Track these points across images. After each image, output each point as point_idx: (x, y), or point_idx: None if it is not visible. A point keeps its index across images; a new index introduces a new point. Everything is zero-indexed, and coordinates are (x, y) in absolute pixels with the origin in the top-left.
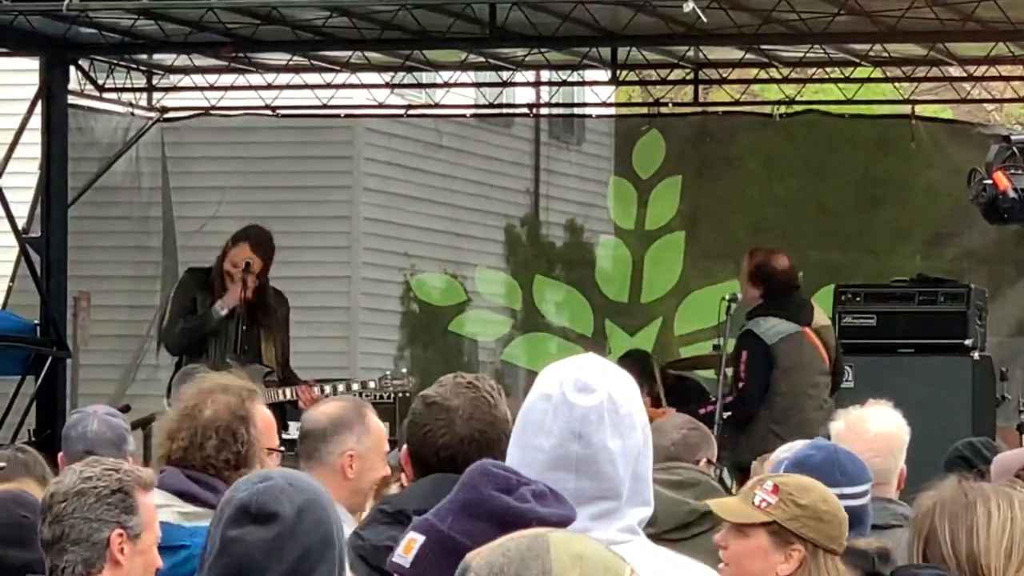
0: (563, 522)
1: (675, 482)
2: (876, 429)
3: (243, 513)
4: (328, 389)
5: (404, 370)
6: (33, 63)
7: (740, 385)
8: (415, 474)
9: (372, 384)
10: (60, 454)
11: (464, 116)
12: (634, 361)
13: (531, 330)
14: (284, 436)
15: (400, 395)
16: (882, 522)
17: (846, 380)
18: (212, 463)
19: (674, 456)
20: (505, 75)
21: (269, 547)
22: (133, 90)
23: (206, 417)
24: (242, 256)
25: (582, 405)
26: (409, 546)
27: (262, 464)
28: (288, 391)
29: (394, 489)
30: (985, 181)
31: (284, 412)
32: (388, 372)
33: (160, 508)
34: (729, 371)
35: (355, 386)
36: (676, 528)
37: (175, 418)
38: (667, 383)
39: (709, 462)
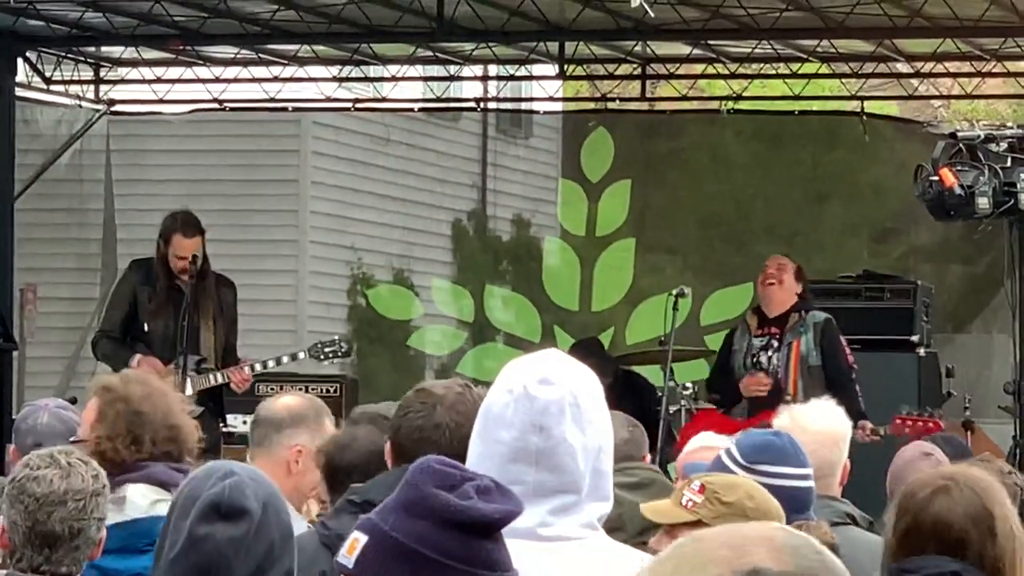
0: (507, 517)
1: (633, 484)
2: (819, 422)
3: (213, 510)
4: (259, 367)
5: (336, 337)
6: None
7: (855, 366)
8: (396, 462)
9: (301, 355)
10: (11, 447)
11: (412, 110)
12: (588, 348)
13: (481, 341)
14: (222, 427)
15: (333, 358)
16: (825, 519)
17: None
18: (179, 447)
19: (626, 455)
20: (453, 69)
21: (239, 544)
22: (81, 82)
23: (154, 408)
24: (191, 249)
25: (543, 398)
26: (352, 546)
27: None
28: (219, 375)
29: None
30: (932, 178)
31: (221, 402)
32: (317, 342)
33: (158, 503)
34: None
35: (285, 359)
36: (642, 532)
37: (123, 420)
38: (620, 383)
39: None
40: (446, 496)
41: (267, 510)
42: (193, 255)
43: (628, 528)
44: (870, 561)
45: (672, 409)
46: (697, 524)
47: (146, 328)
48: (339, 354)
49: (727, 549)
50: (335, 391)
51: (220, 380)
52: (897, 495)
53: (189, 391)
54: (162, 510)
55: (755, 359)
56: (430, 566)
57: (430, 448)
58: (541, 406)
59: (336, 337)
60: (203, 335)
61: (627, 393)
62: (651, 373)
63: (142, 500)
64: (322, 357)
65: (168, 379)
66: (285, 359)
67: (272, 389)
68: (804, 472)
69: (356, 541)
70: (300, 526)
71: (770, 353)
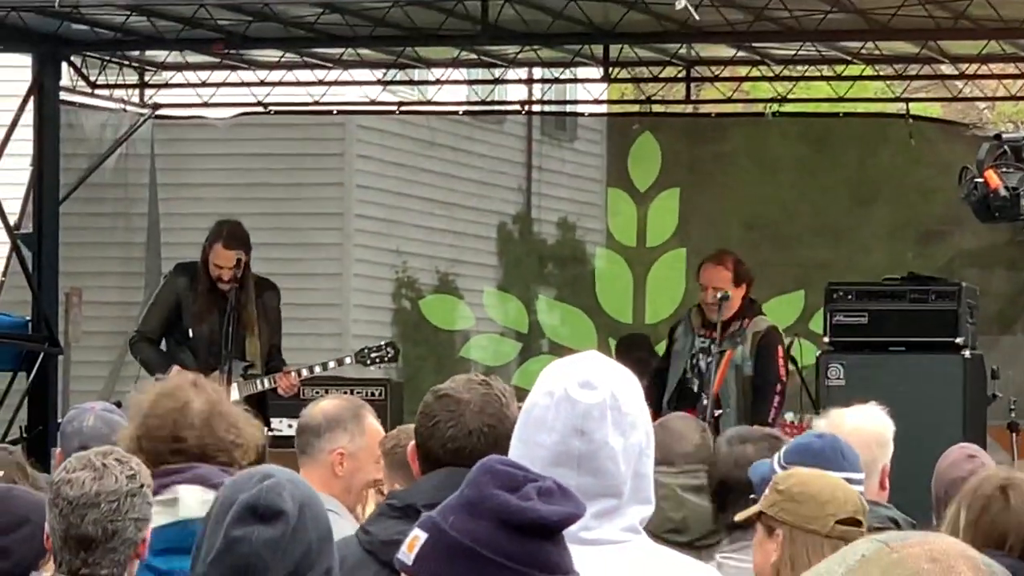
0: (566, 520)
1: (696, 486)
2: (852, 423)
3: (250, 512)
4: (305, 372)
5: (382, 342)
6: (25, 60)
7: (784, 379)
8: (422, 468)
9: (348, 360)
10: (57, 450)
11: (456, 113)
12: (635, 344)
13: (538, 354)
14: (267, 431)
15: (381, 367)
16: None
17: (837, 378)
18: (227, 447)
19: (698, 459)
20: (497, 72)
21: (276, 546)
22: (125, 86)
23: (201, 408)
24: (227, 262)
25: (584, 402)
26: (412, 543)
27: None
28: (265, 380)
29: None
30: (976, 179)
31: (265, 406)
32: (364, 347)
33: (207, 504)
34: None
35: (331, 364)
36: (706, 535)
37: (171, 411)
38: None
39: None
40: (506, 497)
41: (304, 512)
42: (234, 268)
43: (692, 530)
44: None
45: (717, 413)
46: (761, 515)
47: (190, 333)
48: (386, 359)
49: (930, 563)
50: (380, 395)
51: (267, 385)
52: (962, 494)
53: (236, 396)
54: None
55: (695, 362)
56: (488, 566)
57: (464, 456)
58: (583, 410)
59: (383, 342)
60: (247, 341)
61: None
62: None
63: (193, 501)
64: (368, 362)
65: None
66: (332, 364)
67: (317, 393)
68: (859, 477)
69: (416, 539)
70: (351, 528)
71: (708, 358)
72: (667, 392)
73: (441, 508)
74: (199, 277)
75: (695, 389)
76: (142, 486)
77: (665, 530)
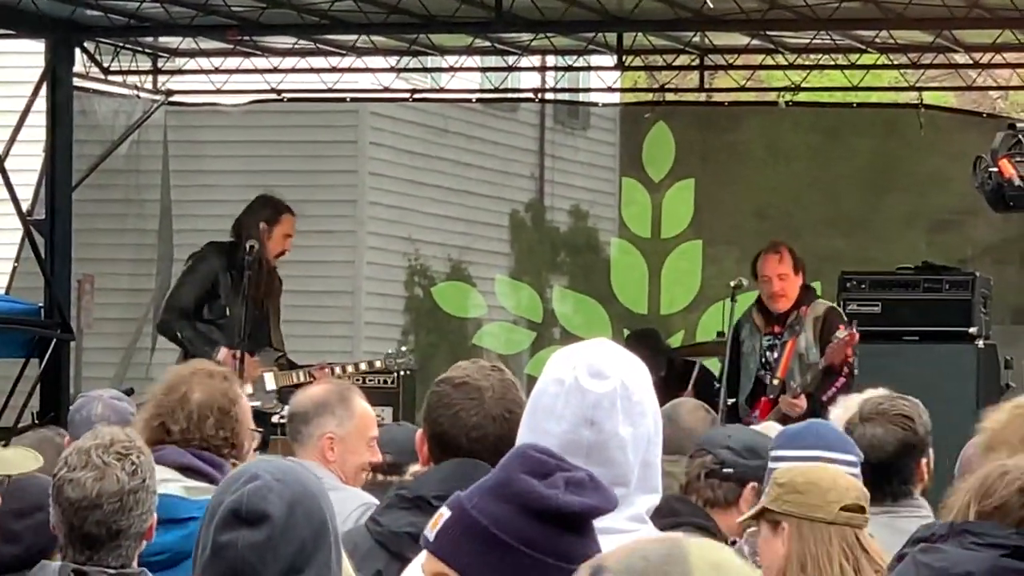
0: (590, 512)
1: None
2: None
3: (234, 516)
4: (338, 370)
5: (404, 348)
6: (39, 45)
7: (850, 361)
8: (436, 457)
9: (378, 364)
10: (67, 439)
11: (469, 101)
12: (644, 338)
13: (551, 343)
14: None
15: (404, 372)
16: None
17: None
18: (211, 442)
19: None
20: (511, 60)
21: (263, 549)
22: (138, 73)
23: (199, 399)
24: (294, 228)
25: (595, 391)
26: (437, 520)
27: (247, 444)
28: (301, 373)
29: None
30: (991, 169)
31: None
32: (391, 351)
33: (166, 483)
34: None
35: (363, 366)
36: None
37: (165, 402)
38: (678, 369)
39: None
40: (532, 483)
41: (294, 510)
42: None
43: None
44: None
45: (730, 401)
46: (765, 511)
47: (227, 312)
48: (408, 366)
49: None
50: (392, 382)
51: (303, 379)
52: (989, 474)
53: (272, 386)
54: (168, 489)
55: (764, 361)
56: (504, 550)
57: (488, 444)
58: (593, 400)
59: (404, 348)
60: (272, 329)
61: (681, 384)
62: (711, 366)
63: None
64: (396, 367)
65: (256, 374)
66: (363, 366)
67: (338, 374)
68: (834, 456)
69: (440, 516)
70: (360, 497)
71: (776, 354)
72: (742, 392)
73: (471, 488)
74: (245, 259)
75: (765, 382)
76: (144, 480)
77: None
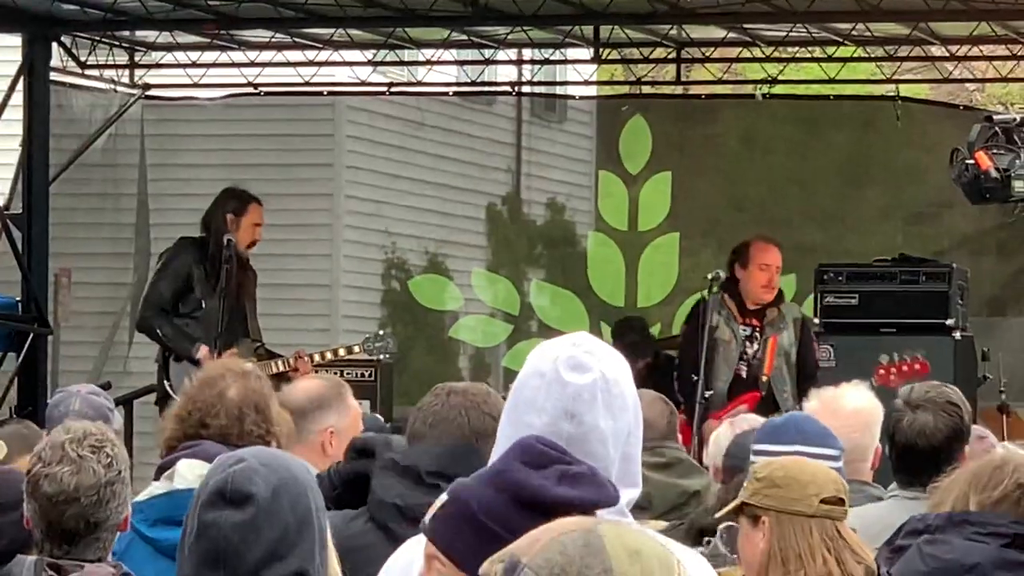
0: (582, 506)
1: (662, 464)
2: (851, 405)
3: (218, 496)
4: (317, 357)
5: (382, 332)
6: (15, 40)
7: (818, 368)
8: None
9: (356, 348)
10: (44, 433)
11: (446, 94)
12: (630, 327)
13: (528, 336)
14: None
15: (385, 357)
16: (858, 505)
17: (828, 359)
18: (248, 439)
19: (661, 434)
20: (487, 53)
21: (245, 529)
22: (115, 67)
23: (237, 396)
24: (262, 218)
25: (575, 383)
26: (436, 505)
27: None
28: (281, 362)
29: None
30: (967, 161)
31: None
32: (369, 335)
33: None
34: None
35: (341, 351)
36: (670, 510)
37: (202, 397)
38: (660, 365)
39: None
40: (526, 473)
41: (279, 495)
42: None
43: (655, 507)
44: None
45: (708, 393)
46: (744, 506)
47: (203, 304)
48: (388, 348)
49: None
50: (370, 375)
51: (282, 368)
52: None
53: None
54: None
55: (743, 349)
56: (492, 538)
57: (447, 428)
58: (573, 392)
59: (381, 332)
60: (249, 318)
61: (665, 375)
62: None
63: (190, 473)
64: (374, 352)
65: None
66: (342, 352)
67: (316, 361)
68: (815, 451)
69: (440, 501)
70: None
71: (755, 345)
72: (720, 380)
73: (472, 476)
74: (215, 253)
75: (744, 376)
76: (120, 472)
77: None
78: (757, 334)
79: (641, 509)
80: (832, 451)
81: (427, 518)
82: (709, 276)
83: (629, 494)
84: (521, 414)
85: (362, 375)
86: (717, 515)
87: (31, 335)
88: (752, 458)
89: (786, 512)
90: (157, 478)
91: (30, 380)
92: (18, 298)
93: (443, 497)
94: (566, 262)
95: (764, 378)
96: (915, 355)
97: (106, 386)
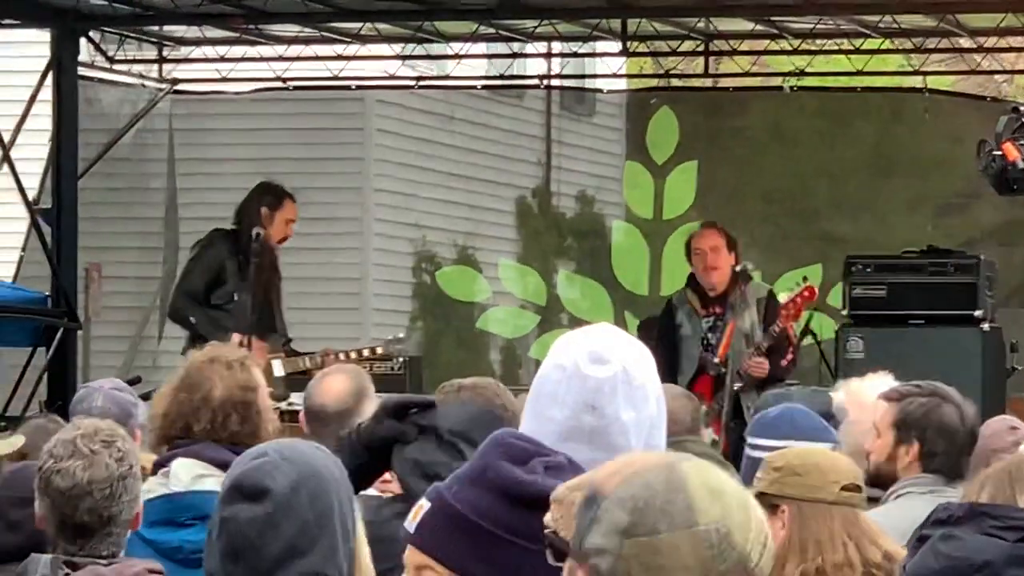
0: None
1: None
2: (876, 397)
3: (236, 491)
4: (343, 356)
5: (400, 335)
6: (44, 35)
7: (794, 333)
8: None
9: (380, 350)
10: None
11: (475, 88)
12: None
13: (555, 327)
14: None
15: (403, 357)
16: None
17: (856, 351)
18: (236, 438)
19: (689, 430)
20: (516, 46)
21: (262, 524)
22: (144, 62)
23: (220, 397)
24: (297, 214)
25: (596, 376)
26: (417, 512)
27: (269, 428)
28: (308, 359)
29: None
30: (995, 152)
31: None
32: (390, 337)
33: (203, 479)
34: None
35: (365, 352)
36: None
37: (186, 401)
38: None
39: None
40: (511, 469)
41: (298, 489)
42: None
43: None
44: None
45: (737, 385)
46: (762, 496)
47: (235, 297)
48: (403, 353)
49: None
50: (399, 368)
51: (309, 365)
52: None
53: (280, 372)
54: (207, 485)
55: (706, 342)
56: (488, 539)
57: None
58: (594, 385)
59: (403, 335)
60: (276, 314)
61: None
62: None
63: (185, 475)
64: (395, 354)
65: (265, 359)
66: (365, 352)
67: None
68: (809, 446)
69: (420, 508)
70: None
71: (717, 334)
72: (682, 375)
73: (450, 478)
74: (248, 246)
75: (706, 365)
76: (131, 467)
77: None
78: (720, 322)
79: None
80: (824, 445)
81: (409, 527)
82: (737, 269)
83: None
84: (543, 407)
85: (391, 368)
86: None
87: (61, 330)
88: (748, 452)
89: (807, 500)
90: (154, 473)
91: (60, 375)
92: (48, 293)
93: (423, 503)
94: (595, 255)
95: (716, 360)
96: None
97: (135, 380)
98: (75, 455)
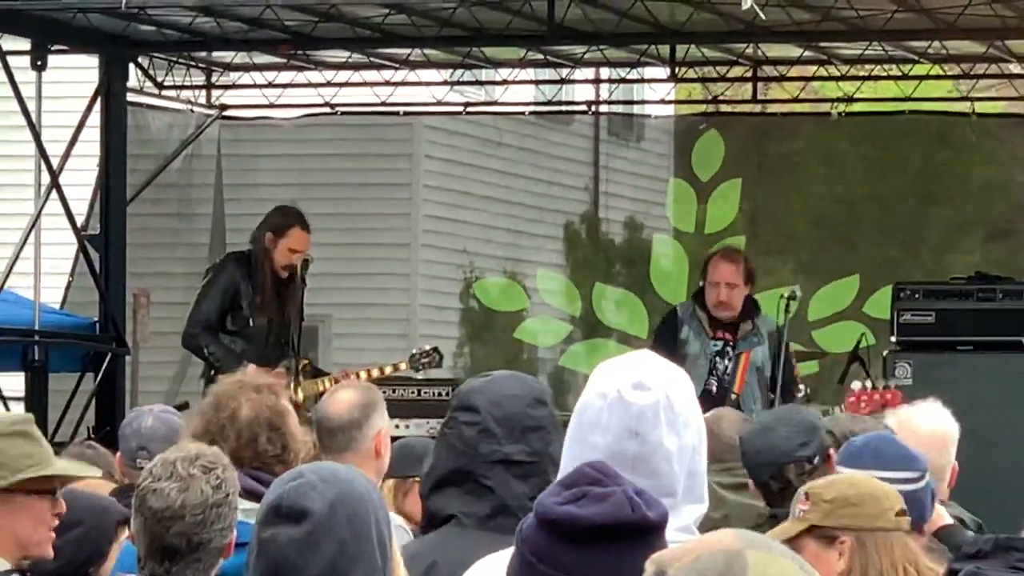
0: (595, 526)
1: (735, 484)
2: (928, 426)
3: (274, 513)
4: (363, 375)
5: (428, 347)
6: (92, 61)
7: (797, 379)
8: None
9: (403, 365)
10: (117, 454)
11: (523, 114)
12: None
13: (591, 336)
14: None
15: (429, 368)
16: None
17: (904, 377)
18: (263, 459)
19: (735, 456)
20: (564, 72)
21: (302, 545)
22: (192, 87)
23: (248, 416)
24: (306, 245)
25: (638, 403)
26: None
27: (300, 456)
28: (328, 381)
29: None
30: None
31: None
32: (415, 351)
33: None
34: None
35: (388, 369)
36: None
37: (214, 419)
38: None
39: None
40: (545, 496)
41: (335, 510)
42: (305, 259)
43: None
44: None
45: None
46: (812, 530)
47: (251, 323)
48: (434, 364)
49: None
50: (447, 395)
51: (329, 386)
52: None
53: (300, 396)
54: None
55: (713, 365)
56: (518, 555)
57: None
58: (636, 412)
59: (428, 347)
60: (296, 336)
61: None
62: None
63: None
64: (419, 367)
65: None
66: (388, 369)
67: (385, 393)
68: (891, 475)
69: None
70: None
71: (726, 361)
72: None
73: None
74: (258, 267)
75: (713, 391)
76: (228, 495)
77: (707, 530)
78: (730, 348)
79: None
80: (911, 473)
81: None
82: (785, 294)
83: (697, 510)
84: (585, 435)
85: (438, 394)
86: (781, 539)
87: (109, 355)
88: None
89: (868, 529)
90: None
91: (108, 400)
92: (96, 319)
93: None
94: (644, 279)
95: (734, 396)
96: (888, 385)
97: (183, 406)
98: (172, 476)
